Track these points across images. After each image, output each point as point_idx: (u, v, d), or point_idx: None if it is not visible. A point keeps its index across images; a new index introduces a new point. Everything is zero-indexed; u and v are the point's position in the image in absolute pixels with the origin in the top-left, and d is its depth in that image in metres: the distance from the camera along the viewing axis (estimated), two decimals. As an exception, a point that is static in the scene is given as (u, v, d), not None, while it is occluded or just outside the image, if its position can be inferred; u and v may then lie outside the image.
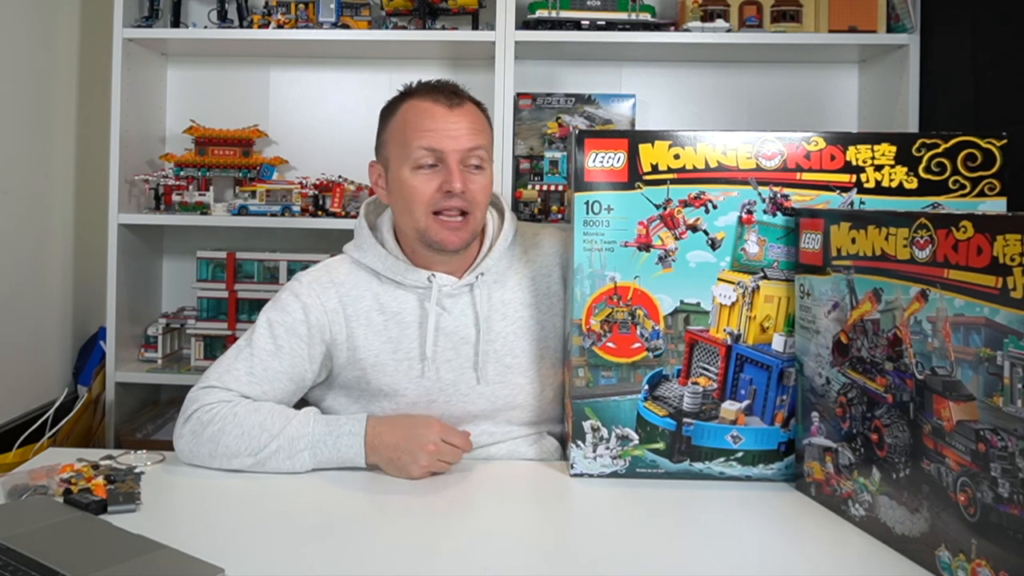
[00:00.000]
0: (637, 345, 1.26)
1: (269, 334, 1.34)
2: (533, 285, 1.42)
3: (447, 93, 1.34)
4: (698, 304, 1.25)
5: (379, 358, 1.36)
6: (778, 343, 1.25)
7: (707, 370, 1.26)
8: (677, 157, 1.24)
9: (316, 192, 2.16)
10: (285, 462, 1.25)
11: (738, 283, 1.25)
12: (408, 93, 1.37)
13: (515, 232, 1.44)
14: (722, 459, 1.26)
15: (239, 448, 1.25)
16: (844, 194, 1.22)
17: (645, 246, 1.25)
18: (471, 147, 1.31)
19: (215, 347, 2.18)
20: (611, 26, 2.04)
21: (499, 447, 1.39)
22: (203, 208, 2.14)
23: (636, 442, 1.26)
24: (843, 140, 1.23)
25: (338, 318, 1.36)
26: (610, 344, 1.26)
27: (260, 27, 2.12)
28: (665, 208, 1.24)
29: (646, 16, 2.05)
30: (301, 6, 2.14)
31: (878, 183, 1.22)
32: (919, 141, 1.21)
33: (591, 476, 1.27)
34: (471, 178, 1.31)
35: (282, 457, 1.24)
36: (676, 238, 1.24)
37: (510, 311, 1.40)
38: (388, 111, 1.39)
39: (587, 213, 1.24)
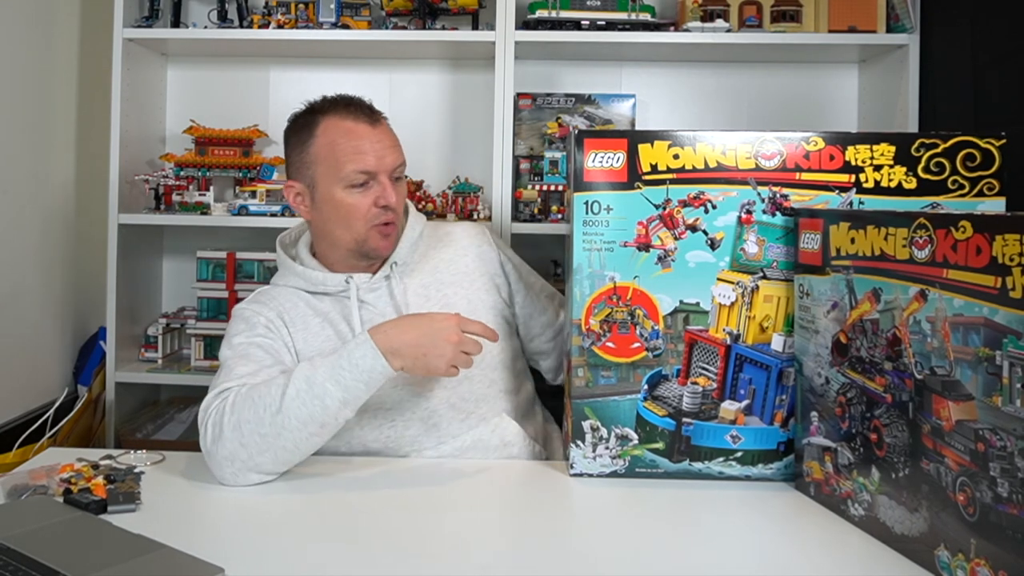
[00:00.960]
0: (636, 345, 1.26)
1: (244, 341, 1.36)
2: (450, 267, 1.49)
3: (365, 110, 1.42)
4: (697, 304, 1.25)
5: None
6: (777, 343, 1.25)
7: (706, 370, 1.26)
8: (676, 157, 1.24)
9: (316, 192, 2.15)
10: (312, 403, 1.19)
11: (737, 283, 1.25)
12: (319, 111, 1.42)
13: (423, 224, 1.52)
14: (721, 459, 1.26)
15: (259, 415, 1.19)
16: (843, 194, 1.23)
17: (644, 246, 1.25)
18: (399, 163, 1.42)
19: (215, 347, 2.17)
20: (611, 26, 2.04)
21: (462, 438, 1.39)
22: (203, 208, 2.14)
23: (636, 442, 1.26)
24: (842, 140, 1.23)
25: (280, 326, 1.40)
26: (609, 344, 1.26)
27: (260, 27, 2.12)
28: (664, 208, 1.24)
29: (646, 16, 2.05)
30: (301, 6, 2.14)
31: (877, 183, 1.22)
32: (918, 141, 1.21)
33: (591, 476, 1.27)
34: (397, 189, 1.41)
35: (306, 399, 1.19)
36: (675, 238, 1.25)
37: (432, 292, 1.45)
38: (302, 130, 1.43)
39: (586, 213, 1.25)
